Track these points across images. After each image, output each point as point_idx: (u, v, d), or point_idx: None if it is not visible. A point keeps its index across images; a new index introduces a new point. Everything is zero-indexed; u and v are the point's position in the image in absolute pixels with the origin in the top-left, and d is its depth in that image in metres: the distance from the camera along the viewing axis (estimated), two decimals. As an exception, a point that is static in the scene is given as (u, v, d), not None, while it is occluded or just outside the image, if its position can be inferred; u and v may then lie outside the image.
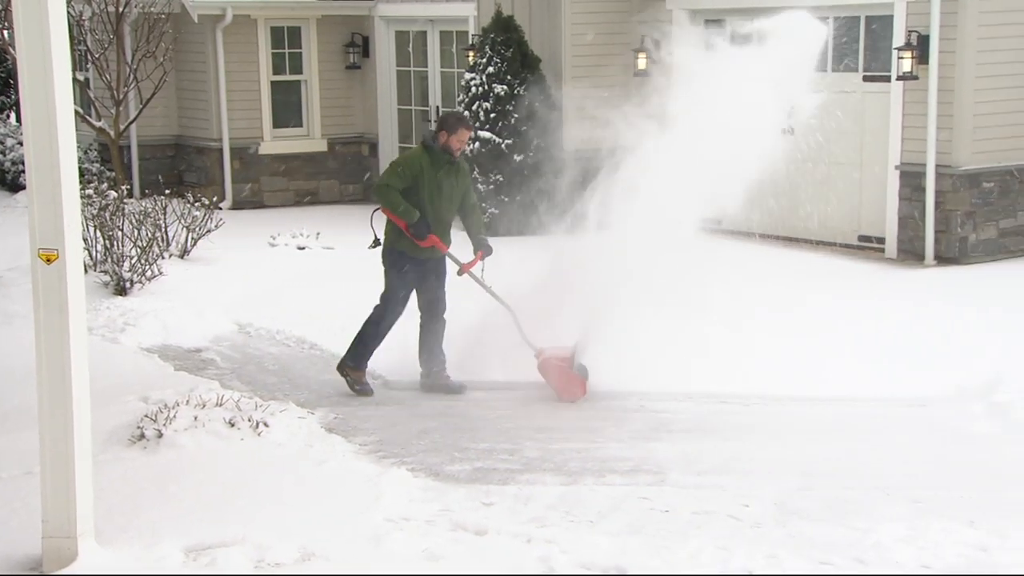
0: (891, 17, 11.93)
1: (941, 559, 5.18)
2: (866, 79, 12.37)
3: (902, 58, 11.66)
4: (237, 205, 16.38)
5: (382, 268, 8.15)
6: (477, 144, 13.89)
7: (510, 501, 6.02)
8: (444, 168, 7.96)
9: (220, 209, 13.69)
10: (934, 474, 6.42)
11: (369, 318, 8.17)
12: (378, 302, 8.16)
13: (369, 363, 8.24)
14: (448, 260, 8.17)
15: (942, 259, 11.82)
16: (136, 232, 11.20)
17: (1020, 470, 6.39)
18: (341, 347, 9.14)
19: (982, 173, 11.86)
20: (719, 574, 5.11)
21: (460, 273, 8.14)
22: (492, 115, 13.77)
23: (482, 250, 8.14)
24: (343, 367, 8.18)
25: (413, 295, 8.20)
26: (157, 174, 16.38)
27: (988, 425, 7.27)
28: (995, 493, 6.09)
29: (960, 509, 5.81)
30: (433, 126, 8.21)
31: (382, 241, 8.15)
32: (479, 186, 13.95)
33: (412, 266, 8.04)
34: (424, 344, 8.22)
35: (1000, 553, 5.21)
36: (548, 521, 5.73)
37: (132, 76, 15.74)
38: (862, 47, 12.41)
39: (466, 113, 14.06)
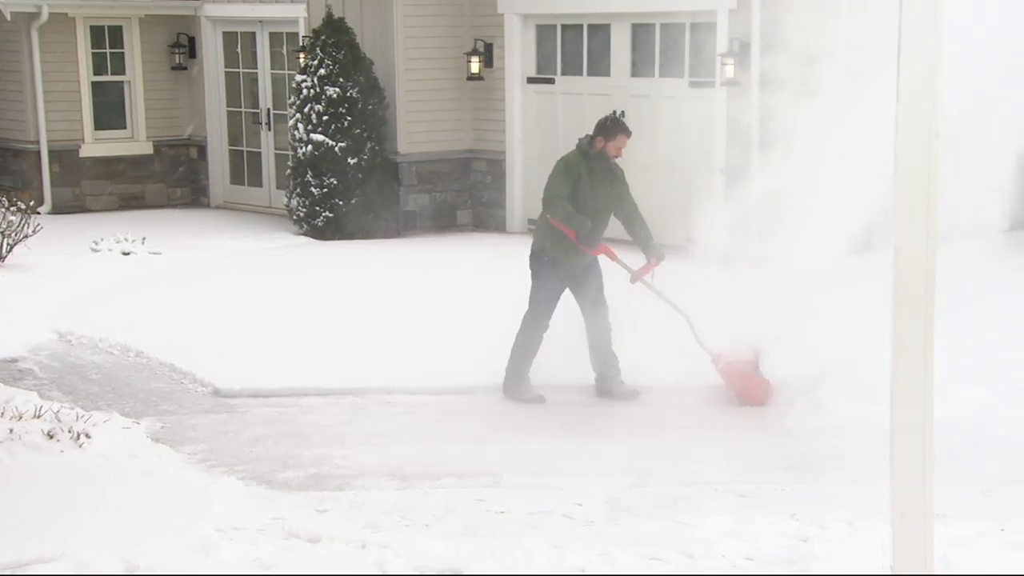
0: (715, 24, 12.27)
1: (764, 550, 5.34)
2: (692, 85, 12.69)
3: (725, 64, 12.01)
4: (57, 210, 15.77)
5: (531, 275, 7.90)
6: (310, 147, 13.72)
7: (344, 507, 5.95)
8: (601, 174, 7.82)
9: (39, 214, 13.18)
10: (758, 469, 6.61)
11: (518, 332, 7.90)
12: (527, 313, 7.90)
13: (208, 370, 8.00)
14: (612, 264, 7.91)
15: (767, 261, 12.19)
16: (-53, 238, 10.69)
17: (836, 463, 6.62)
18: (169, 355, 8.91)
19: (804, 177, 12.28)
20: (553, 573, 5.15)
21: (633, 281, 7.90)
22: (324, 118, 13.62)
23: (655, 257, 7.93)
24: (508, 390, 7.89)
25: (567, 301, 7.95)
26: (-30, 177, 15.66)
27: (808, 420, 7.52)
28: (814, 486, 6.31)
29: (782, 502, 6.00)
30: (590, 132, 7.93)
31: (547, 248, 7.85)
32: (312, 189, 13.78)
33: (563, 273, 7.81)
34: (593, 349, 7.97)
35: (819, 543, 5.40)
36: (383, 526, 5.68)
37: (-59, 74, 15.01)
38: (687, 53, 12.73)
39: (297, 115, 13.87)
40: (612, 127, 7.94)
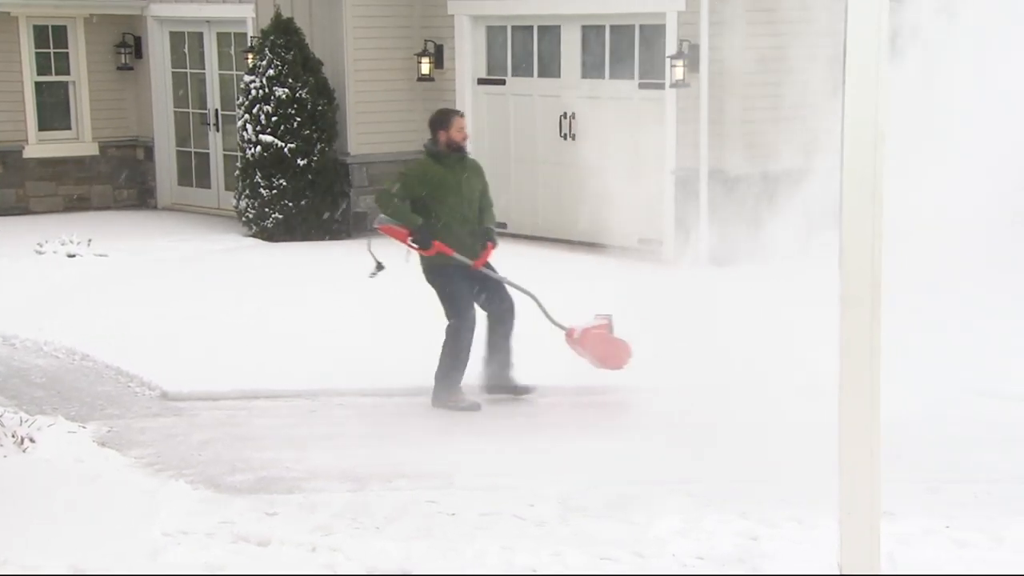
0: (664, 27, 12.34)
1: (715, 549, 5.37)
2: (641, 86, 12.75)
3: (674, 66, 12.07)
4: (0, 211, 15.54)
5: (434, 290, 7.79)
6: (259, 148, 13.62)
7: (294, 510, 5.91)
8: (457, 167, 7.76)
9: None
10: (708, 468, 6.64)
11: (444, 343, 7.78)
12: (448, 323, 7.78)
13: (156, 373, 7.90)
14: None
15: (716, 260, 12.29)
16: None
17: (787, 459, 6.66)
18: (116, 358, 8.80)
19: (752, 177, 12.39)
20: (504, 574, 5.15)
21: (473, 269, 7.81)
22: (274, 119, 13.53)
23: (491, 242, 7.87)
24: (438, 400, 7.78)
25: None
26: (-90, 179, 15.39)
27: (759, 418, 7.57)
28: (764, 485, 6.34)
29: (733, 501, 6.03)
30: (427, 135, 7.86)
31: (385, 267, 7.81)
32: (261, 191, 13.68)
33: (460, 275, 7.74)
34: (493, 346, 7.89)
35: (769, 542, 5.44)
36: (334, 529, 5.65)
37: None
38: (637, 55, 12.79)
39: (246, 116, 13.77)
40: (444, 116, 7.95)
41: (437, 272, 7.80)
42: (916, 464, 6.57)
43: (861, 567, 3.69)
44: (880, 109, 3.50)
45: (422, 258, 7.83)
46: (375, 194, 7.95)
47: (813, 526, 5.53)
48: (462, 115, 7.99)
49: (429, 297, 10.39)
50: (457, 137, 7.81)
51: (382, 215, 7.79)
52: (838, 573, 3.77)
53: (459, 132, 7.83)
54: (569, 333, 7.93)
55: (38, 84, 15.91)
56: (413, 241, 7.70)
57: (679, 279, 11.61)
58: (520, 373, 8.03)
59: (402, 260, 7.81)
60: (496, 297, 7.93)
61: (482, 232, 7.86)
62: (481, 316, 7.95)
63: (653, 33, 12.55)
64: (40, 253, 12.56)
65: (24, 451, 6.47)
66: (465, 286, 7.82)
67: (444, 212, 7.71)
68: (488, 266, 7.92)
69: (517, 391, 8.00)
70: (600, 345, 7.90)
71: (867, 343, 3.58)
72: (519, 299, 7.98)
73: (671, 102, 12.38)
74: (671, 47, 12.23)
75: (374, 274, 7.91)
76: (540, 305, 7.97)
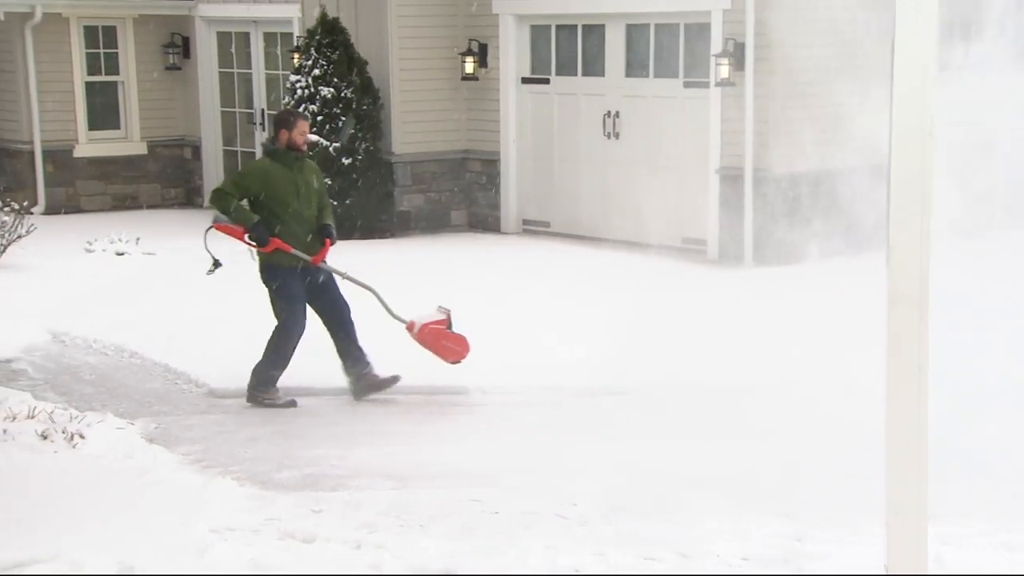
0: (709, 25, 12.28)
1: (759, 550, 5.33)
2: (686, 85, 12.70)
3: (720, 65, 12.02)
4: (51, 210, 15.75)
5: (267, 291, 7.84)
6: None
7: (340, 507, 5.94)
8: (295, 167, 7.80)
9: (32, 214, 13.17)
10: (752, 469, 6.60)
11: (270, 341, 7.84)
12: (279, 323, 7.83)
13: (203, 370, 8.00)
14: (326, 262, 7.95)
15: (761, 260, 12.23)
16: (-60, 238, 10.67)
17: (831, 460, 6.62)
18: (164, 355, 8.91)
19: (797, 176, 12.31)
20: (547, 574, 5.15)
21: (312, 265, 7.88)
22: (319, 118, 13.62)
23: (329, 238, 7.93)
24: (254, 396, 7.85)
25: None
26: (-37, 178, 15.63)
27: (798, 416, 7.52)
28: (808, 486, 6.29)
29: (777, 502, 5.99)
30: (266, 131, 8.01)
31: (222, 264, 7.91)
32: (306, 190, 13.77)
33: (296, 277, 7.80)
34: (343, 351, 7.95)
35: (814, 543, 5.40)
36: (379, 526, 5.67)
37: (-66, 75, 14.99)
38: (682, 54, 12.74)
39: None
40: (288, 117, 7.97)
41: (275, 272, 7.81)
42: (964, 466, 6.50)
43: (908, 568, 3.66)
44: (928, 106, 3.47)
45: (260, 258, 7.86)
46: (210, 193, 8.01)
47: (858, 527, 5.48)
48: (307, 118, 8.07)
49: (473, 297, 10.44)
50: (298, 140, 7.85)
51: (218, 214, 7.83)
52: (884, 574, 3.74)
53: (301, 135, 7.87)
54: (409, 326, 8.04)
55: (88, 84, 16.12)
56: (250, 238, 7.76)
57: (723, 279, 11.57)
58: (380, 367, 8.03)
59: (247, 257, 7.94)
60: (330, 302, 7.95)
61: (320, 229, 7.90)
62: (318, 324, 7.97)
63: (698, 31, 12.50)
64: (90, 251, 12.73)
65: (74, 447, 6.55)
66: (300, 289, 7.84)
67: (282, 210, 7.74)
68: (325, 263, 7.97)
69: (385, 385, 7.97)
70: (437, 339, 8.02)
71: (915, 343, 3.55)
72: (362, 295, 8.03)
73: (716, 101, 12.32)
74: (716, 45, 12.17)
75: (211, 271, 8.00)
76: (380, 299, 8.05)
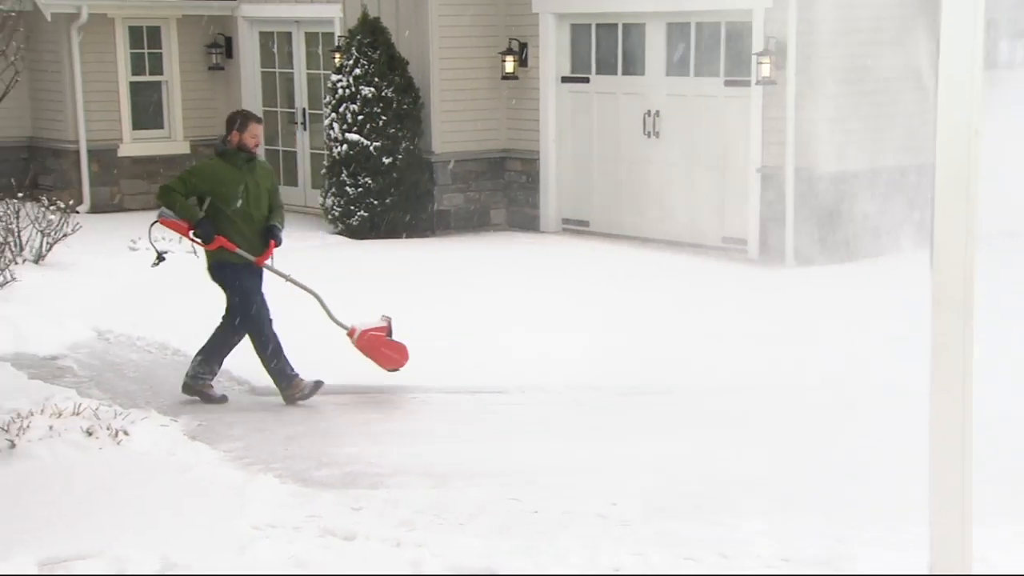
0: (751, 24, 12.22)
1: (800, 551, 5.30)
2: (727, 84, 12.64)
3: (761, 63, 11.95)
4: (96, 209, 15.91)
5: (222, 289, 7.90)
6: (345, 147, 13.78)
7: (379, 505, 5.97)
8: (245, 168, 7.85)
9: (77, 213, 13.29)
10: (792, 469, 6.57)
11: (218, 328, 7.90)
12: (238, 321, 7.87)
13: (245, 368, 8.08)
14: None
15: (803, 260, 12.15)
16: (-13, 237, 10.81)
17: (873, 461, 6.57)
18: (228, 358, 8.97)
19: (840, 176, 12.22)
20: (587, 573, 5.14)
21: (256, 265, 7.90)
22: (360, 117, 13.67)
23: (274, 239, 7.95)
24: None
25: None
26: (10, 177, 15.78)
27: (839, 417, 7.47)
28: (849, 486, 6.25)
29: (818, 502, 5.96)
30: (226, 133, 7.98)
31: (166, 258, 8.05)
32: (347, 189, 13.83)
33: (249, 272, 7.86)
34: (209, 347, 7.96)
35: (856, 544, 5.36)
36: (417, 524, 5.70)
37: (-19, 76, 15.17)
38: (723, 52, 12.68)
39: (333, 115, 13.93)
40: (241, 118, 7.95)
41: (225, 271, 7.84)
42: (1007, 467, 6.42)
43: (953, 568, 3.62)
44: (974, 107, 3.44)
45: (208, 256, 7.89)
46: (158, 188, 8.05)
47: (900, 529, 5.44)
48: (260, 121, 8.04)
49: (510, 296, 10.45)
50: (249, 142, 7.87)
51: (163, 209, 7.89)
52: (930, 574, 3.71)
53: (252, 138, 7.89)
54: (350, 332, 8.08)
55: (133, 84, 16.27)
56: (195, 235, 7.80)
57: (764, 278, 11.50)
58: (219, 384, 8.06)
59: (191, 254, 7.97)
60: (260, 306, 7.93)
61: (266, 230, 7.91)
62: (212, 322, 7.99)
63: (740, 30, 12.43)
64: (133, 250, 12.83)
65: (118, 444, 6.61)
66: (256, 285, 7.88)
67: (229, 209, 7.76)
68: (268, 264, 7.98)
69: (211, 400, 7.93)
70: (376, 346, 8.07)
71: (960, 344, 3.52)
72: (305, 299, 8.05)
73: (757, 99, 12.26)
74: (758, 44, 12.10)
75: (156, 264, 8.12)
76: (323, 304, 8.08)
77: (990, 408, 7.06)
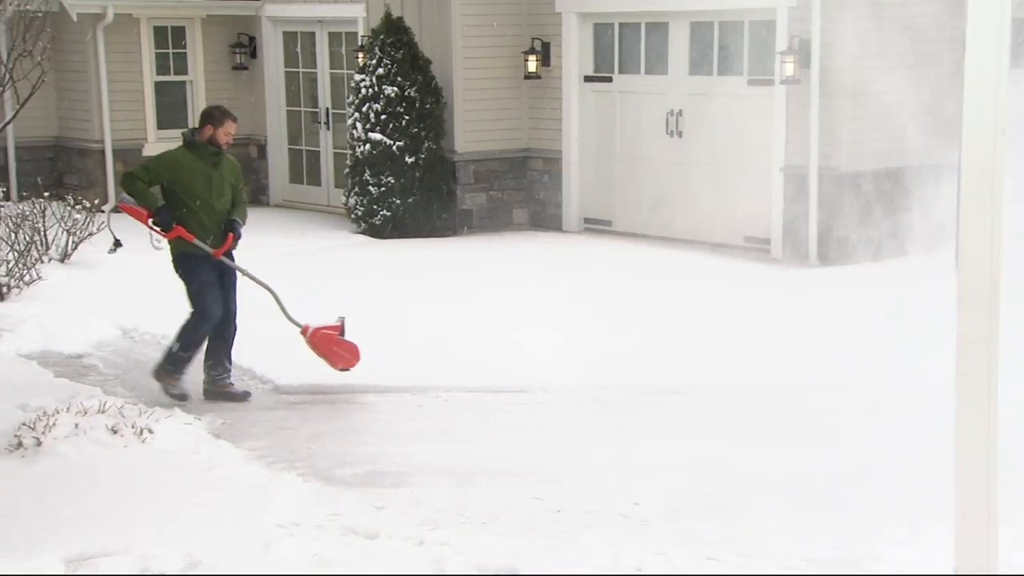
0: (774, 22, 12.18)
1: (821, 551, 5.29)
2: (751, 83, 12.61)
3: (785, 62, 11.91)
4: (121, 208, 16.00)
5: (182, 281, 7.96)
6: (368, 146, 13.81)
7: (402, 504, 5.99)
8: (210, 161, 7.88)
9: (103, 212, 13.36)
10: (812, 469, 6.54)
11: (184, 326, 7.94)
12: (192, 313, 7.93)
13: (268, 366, 8.12)
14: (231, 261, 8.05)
15: (825, 259, 12.11)
16: (13, 236, 10.87)
17: (895, 461, 6.54)
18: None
19: (863, 175, 12.17)
20: (610, 573, 5.14)
21: (213, 257, 7.93)
22: (383, 117, 13.70)
23: (232, 232, 7.97)
24: (159, 374, 7.96)
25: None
26: (36, 176, 15.92)
27: (861, 416, 7.44)
28: (869, 487, 6.22)
29: (838, 503, 5.93)
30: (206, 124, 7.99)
31: (123, 244, 8.10)
32: (370, 188, 13.86)
33: (209, 266, 7.91)
34: (211, 350, 8.02)
35: (878, 545, 5.33)
36: (440, 523, 5.71)
37: (8, 76, 15.27)
38: (746, 51, 12.64)
39: (356, 114, 13.97)
40: (219, 114, 7.97)
41: (185, 262, 7.87)
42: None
43: (978, 569, 3.61)
44: (1000, 105, 3.42)
45: (171, 249, 7.93)
46: (122, 175, 8.12)
47: (923, 530, 5.41)
48: (235, 120, 8.06)
49: (536, 295, 10.44)
50: (221, 139, 7.90)
51: (123, 195, 7.93)
52: (955, 574, 3.69)
53: (226, 135, 7.93)
54: (303, 330, 8.09)
55: (157, 84, 16.35)
56: (154, 223, 7.83)
57: (787, 278, 11.47)
58: (238, 381, 8.13)
59: (151, 244, 8.07)
60: (223, 301, 7.98)
61: (227, 223, 7.94)
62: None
63: (763, 29, 12.40)
64: (158, 248, 12.80)
65: (143, 441, 6.65)
66: (213, 277, 7.91)
67: (192, 201, 7.79)
68: (229, 257, 8.00)
69: (235, 398, 7.97)
70: (328, 345, 8.07)
71: (985, 343, 3.50)
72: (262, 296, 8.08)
73: (781, 99, 12.22)
74: (782, 43, 12.07)
75: (112, 250, 8.18)
76: (278, 300, 8.09)
77: (1016, 407, 7.02)
